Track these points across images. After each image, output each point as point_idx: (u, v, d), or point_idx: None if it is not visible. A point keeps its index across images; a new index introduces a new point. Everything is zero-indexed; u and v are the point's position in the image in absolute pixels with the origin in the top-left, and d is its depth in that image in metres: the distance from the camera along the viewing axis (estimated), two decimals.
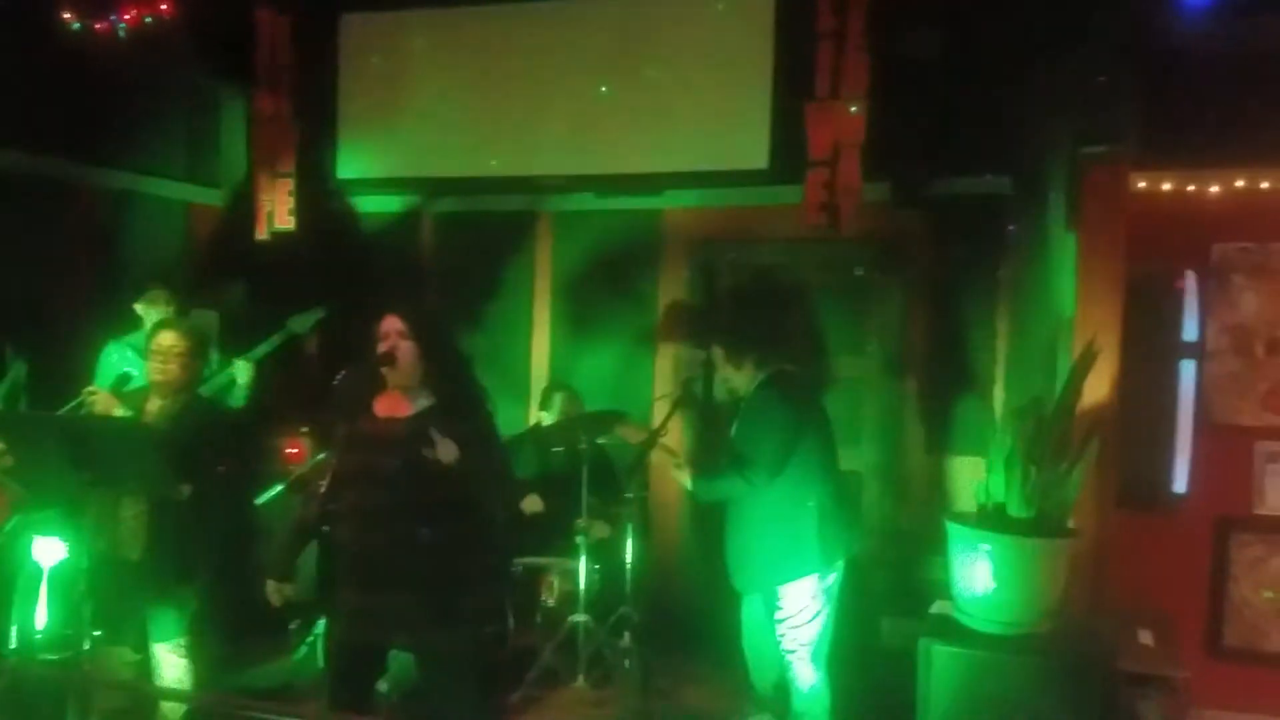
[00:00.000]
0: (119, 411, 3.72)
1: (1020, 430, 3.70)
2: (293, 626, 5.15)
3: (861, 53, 4.86)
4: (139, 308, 5.00)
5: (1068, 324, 4.19)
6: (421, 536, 3.15)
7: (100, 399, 3.76)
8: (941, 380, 5.40)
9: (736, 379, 4.03)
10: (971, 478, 5.02)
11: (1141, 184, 4.59)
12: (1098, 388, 3.97)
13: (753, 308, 5.35)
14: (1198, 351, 4.48)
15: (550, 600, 4.99)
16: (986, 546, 3.58)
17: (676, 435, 5.62)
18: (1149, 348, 4.24)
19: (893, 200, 5.28)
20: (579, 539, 4.75)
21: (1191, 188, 4.64)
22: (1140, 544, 4.39)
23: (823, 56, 4.92)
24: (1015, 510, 3.65)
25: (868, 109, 4.86)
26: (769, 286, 5.59)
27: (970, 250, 5.29)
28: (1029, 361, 4.70)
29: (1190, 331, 4.39)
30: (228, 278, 6.38)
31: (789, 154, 5.12)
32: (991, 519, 3.70)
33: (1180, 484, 4.24)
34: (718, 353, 4.08)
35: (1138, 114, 4.30)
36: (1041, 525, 3.61)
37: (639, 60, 5.54)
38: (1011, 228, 5.02)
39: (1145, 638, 4.23)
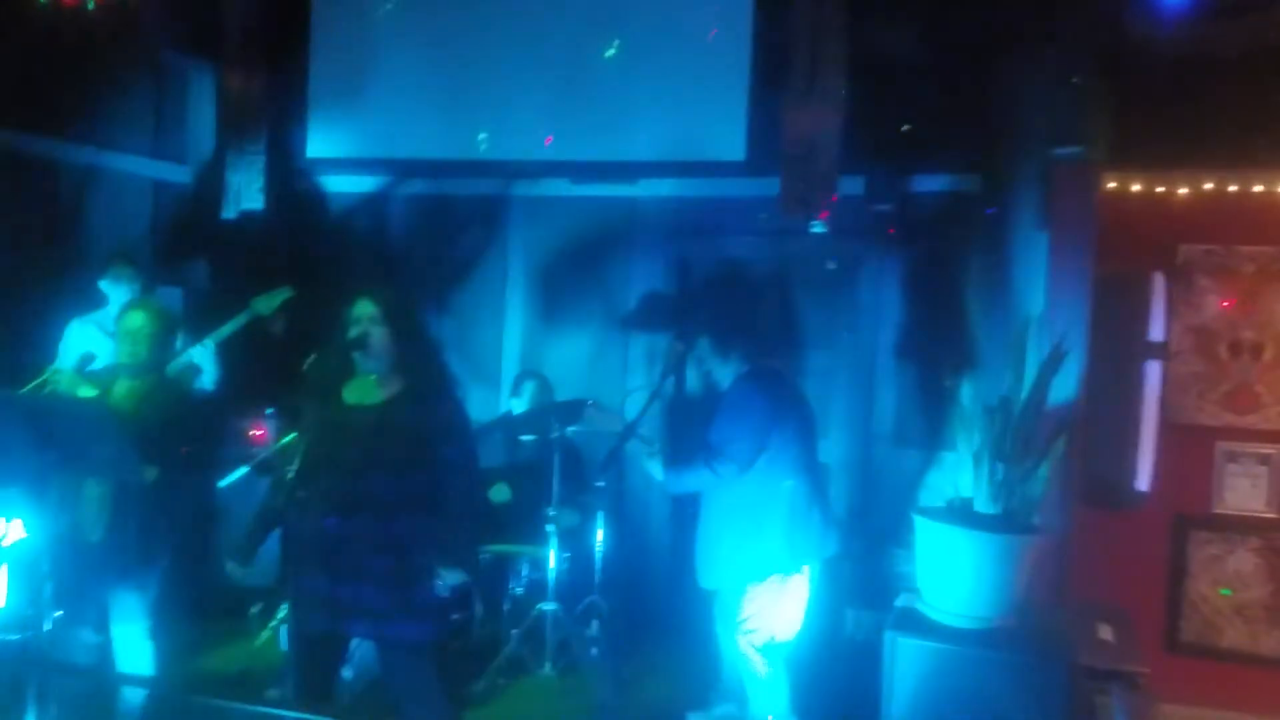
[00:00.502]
0: (84, 391, 3.66)
1: (989, 427, 3.74)
2: (254, 611, 5.10)
3: (839, 47, 4.88)
4: (104, 285, 4.92)
5: (1037, 321, 4.23)
6: (384, 526, 3.13)
7: (64, 379, 3.70)
8: (911, 374, 5.44)
9: (719, 371, 4.01)
10: (939, 472, 5.08)
11: (1111, 185, 4.64)
12: (1065, 386, 4.01)
13: (740, 300, 5.34)
14: (1163, 352, 4.54)
15: (518, 588, 4.98)
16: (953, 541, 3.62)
17: (650, 426, 5.62)
18: (1116, 347, 4.29)
19: (866, 195, 5.31)
20: (549, 527, 4.74)
21: (1160, 189, 4.70)
22: (1103, 541, 4.45)
23: (799, 50, 4.93)
24: (982, 506, 3.68)
25: (844, 104, 4.88)
26: (754, 279, 5.59)
27: (942, 246, 5.33)
28: (999, 358, 4.73)
29: (1156, 332, 4.44)
30: (194, 256, 6.30)
31: (766, 146, 5.14)
32: (958, 514, 3.73)
33: (1143, 482, 4.29)
34: (704, 344, 4.06)
35: (1108, 115, 4.34)
36: (1007, 521, 3.64)
37: (616, 47, 5.51)
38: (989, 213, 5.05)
39: (1106, 633, 4.28)
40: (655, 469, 3.99)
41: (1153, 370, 4.41)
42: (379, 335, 3.32)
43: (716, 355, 4.00)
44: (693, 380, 4.16)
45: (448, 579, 3.27)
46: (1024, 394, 3.82)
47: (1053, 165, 4.34)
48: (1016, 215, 4.65)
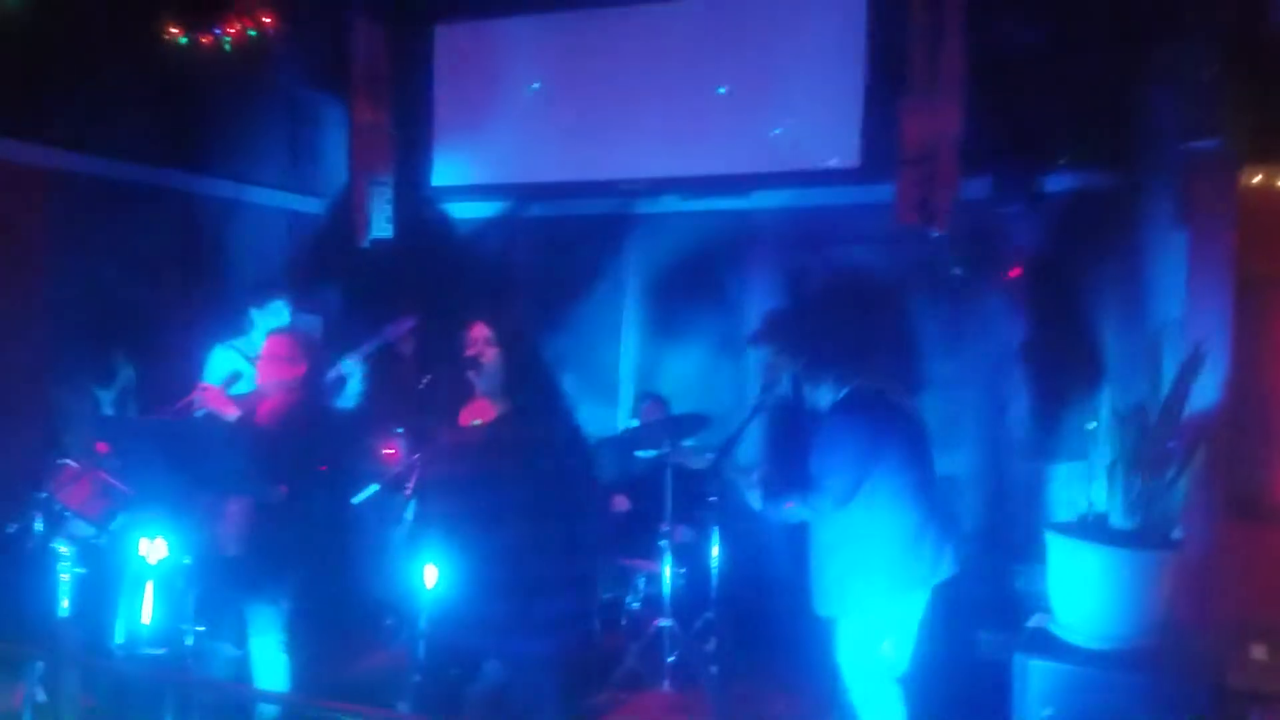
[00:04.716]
0: (230, 410, 3.84)
1: (1123, 437, 3.56)
2: (389, 623, 5.24)
3: (958, 46, 4.75)
4: (255, 313, 5.12)
5: (1174, 325, 4.00)
6: (498, 542, 3.18)
7: (211, 395, 3.89)
8: (1043, 383, 5.21)
9: (818, 396, 3.85)
10: (1073, 485, 4.85)
11: (1257, 179, 4.35)
12: (1206, 392, 3.78)
13: (832, 320, 5.17)
14: None
15: (635, 603, 4.99)
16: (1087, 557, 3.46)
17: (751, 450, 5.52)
18: (1264, 351, 4.02)
19: (995, 197, 5.13)
20: (662, 543, 4.74)
21: None
22: (1256, 555, 4.16)
23: (917, 51, 4.81)
24: (1117, 521, 3.51)
25: (965, 103, 4.74)
26: (852, 294, 5.44)
27: (1074, 247, 5.10)
28: (1134, 364, 4.50)
29: None
30: (330, 283, 6.55)
31: (882, 151, 5.03)
32: (1092, 529, 3.57)
33: None
34: (800, 364, 3.93)
35: (1252, 105, 4.07)
36: (1145, 536, 3.46)
37: (727, 60, 5.50)
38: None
39: (1259, 653, 4.02)
40: (754, 499, 3.87)
41: None
42: (493, 357, 3.39)
43: (812, 381, 3.83)
44: (797, 396, 4.02)
45: None
46: (1161, 401, 3.63)
47: (1189, 159, 4.11)
48: (1153, 213, 4.41)
